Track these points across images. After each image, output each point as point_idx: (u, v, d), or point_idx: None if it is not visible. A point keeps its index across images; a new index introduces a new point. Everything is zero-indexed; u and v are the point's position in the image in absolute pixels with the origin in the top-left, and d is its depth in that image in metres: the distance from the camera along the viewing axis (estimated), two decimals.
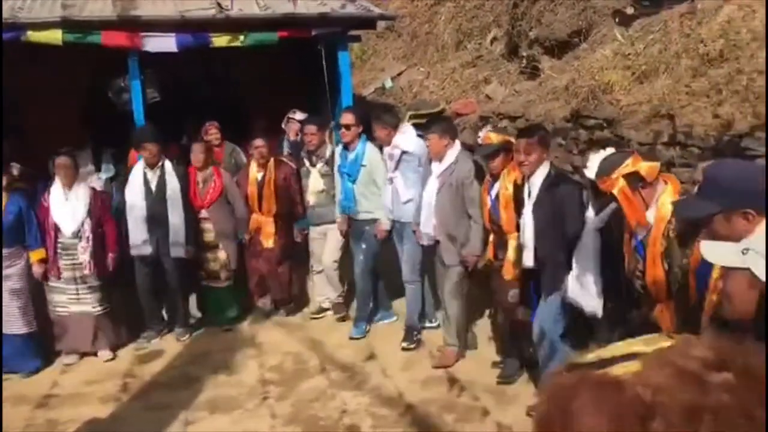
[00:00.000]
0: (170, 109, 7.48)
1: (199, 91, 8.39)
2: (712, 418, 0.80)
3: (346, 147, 5.94)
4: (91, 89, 7.68)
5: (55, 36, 6.12)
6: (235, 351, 5.94)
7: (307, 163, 6.30)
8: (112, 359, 5.80)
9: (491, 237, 5.03)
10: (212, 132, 7.21)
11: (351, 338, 6.02)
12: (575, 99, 5.58)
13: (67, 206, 5.59)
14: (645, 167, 3.40)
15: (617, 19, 6.09)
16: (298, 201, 6.35)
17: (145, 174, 6.01)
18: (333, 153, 6.24)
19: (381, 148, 5.93)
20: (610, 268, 3.79)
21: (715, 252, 2.24)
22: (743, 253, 2.07)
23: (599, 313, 3.93)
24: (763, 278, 2.01)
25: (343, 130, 5.88)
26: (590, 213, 4.06)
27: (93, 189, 5.88)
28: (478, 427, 4.54)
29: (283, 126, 7.45)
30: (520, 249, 4.72)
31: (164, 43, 6.38)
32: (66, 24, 6.15)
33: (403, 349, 5.71)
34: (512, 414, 4.62)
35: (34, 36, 6.12)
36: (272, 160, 6.32)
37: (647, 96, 4.89)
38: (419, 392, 5.05)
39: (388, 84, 9.62)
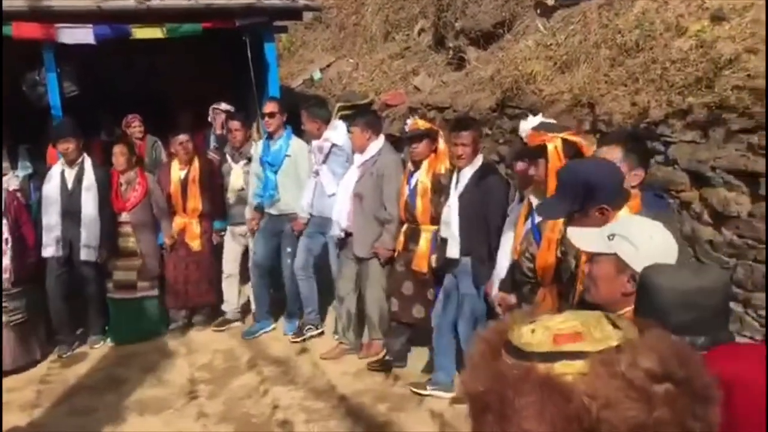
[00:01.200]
0: (90, 103, 7.22)
1: (121, 84, 8.13)
2: None
3: (270, 137, 5.85)
4: (6, 83, 7.32)
5: None
6: (163, 351, 5.82)
7: (230, 160, 6.12)
8: None
9: (404, 227, 5.05)
10: (135, 125, 7.02)
11: (285, 334, 5.98)
12: (500, 89, 5.65)
13: None
14: (584, 143, 3.49)
15: (539, 11, 6.19)
16: (219, 200, 6.14)
17: (63, 171, 5.75)
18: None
19: (309, 143, 5.88)
20: None
21: (582, 238, 2.32)
22: (609, 238, 2.14)
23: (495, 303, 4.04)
24: (631, 263, 2.08)
25: (267, 118, 5.79)
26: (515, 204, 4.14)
27: (6, 190, 5.54)
28: (411, 416, 4.58)
29: (209, 119, 7.29)
30: (431, 241, 4.80)
31: (81, 34, 6.13)
32: None
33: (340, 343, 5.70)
34: (445, 401, 4.68)
35: None
36: (196, 156, 6.11)
37: (569, 85, 5.00)
38: (352, 384, 5.06)
39: (317, 76, 9.54)
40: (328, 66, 9.85)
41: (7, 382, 5.29)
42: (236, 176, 6.07)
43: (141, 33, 6.36)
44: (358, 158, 5.34)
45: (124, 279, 5.89)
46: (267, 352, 5.69)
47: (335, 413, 4.68)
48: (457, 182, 4.61)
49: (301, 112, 5.82)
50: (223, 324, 6.21)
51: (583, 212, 2.57)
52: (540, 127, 3.53)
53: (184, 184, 6.02)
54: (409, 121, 5.08)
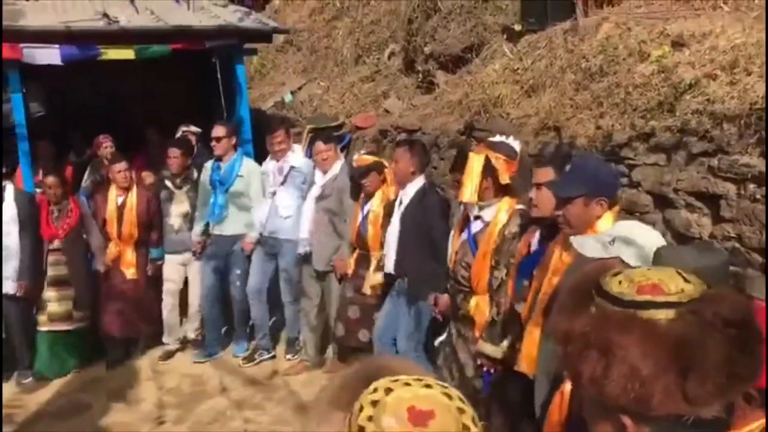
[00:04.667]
0: (60, 124, 7.15)
1: (89, 106, 8.06)
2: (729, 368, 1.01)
3: (220, 160, 5.84)
4: None
5: None
6: (130, 375, 5.71)
7: (171, 185, 5.99)
8: None
9: (355, 253, 5.11)
10: (105, 145, 6.93)
11: (235, 356, 5.93)
12: (468, 112, 5.73)
13: None
14: (505, 171, 3.67)
15: (506, 36, 6.30)
16: (155, 227, 5.98)
17: None
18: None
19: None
20: None
21: (585, 246, 2.49)
22: (610, 243, 2.34)
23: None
24: (631, 262, 2.24)
25: (214, 142, 5.77)
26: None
27: None
28: None
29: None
30: (381, 266, 4.87)
31: (48, 55, 6.08)
32: None
33: (288, 360, 5.78)
34: None
35: None
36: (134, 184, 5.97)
37: (535, 109, 5.09)
38: None
39: (288, 98, 9.56)
40: (299, 88, 9.88)
41: None
42: (179, 201, 5.96)
43: (109, 54, 6.33)
44: (320, 177, 5.41)
45: (59, 310, 5.62)
46: (236, 375, 5.62)
47: None
48: (401, 201, 4.72)
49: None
50: (167, 356, 6.04)
51: (587, 199, 2.75)
52: (487, 139, 3.83)
53: (120, 210, 5.86)
54: (355, 157, 5.20)
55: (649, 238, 2.38)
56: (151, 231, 5.96)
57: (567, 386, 2.26)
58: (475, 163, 3.69)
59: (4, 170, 5.79)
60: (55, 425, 4.92)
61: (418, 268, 4.51)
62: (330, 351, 5.60)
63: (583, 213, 2.76)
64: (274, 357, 5.87)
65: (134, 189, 5.92)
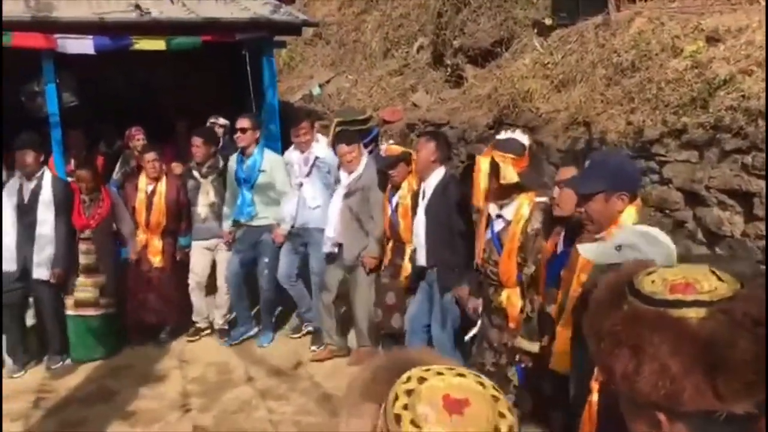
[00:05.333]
0: (92, 114, 7.25)
1: (120, 96, 8.16)
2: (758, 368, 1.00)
3: (243, 152, 5.86)
4: (5, 92, 7.34)
5: None
6: (156, 363, 5.77)
7: (197, 175, 6.02)
8: None
9: (390, 243, 5.13)
10: (138, 137, 7.00)
11: (260, 346, 5.97)
12: (497, 107, 5.70)
13: None
14: (509, 170, 3.66)
15: (536, 30, 6.25)
16: (184, 216, 6.01)
17: (21, 184, 5.55)
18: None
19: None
20: None
21: (593, 252, 2.51)
22: (617, 249, 2.33)
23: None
24: None
25: (239, 134, 5.78)
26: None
27: None
28: None
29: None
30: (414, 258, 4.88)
31: (81, 45, 6.17)
32: None
33: (312, 351, 5.75)
34: None
35: None
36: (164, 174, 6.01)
37: (565, 104, 5.04)
38: None
39: (316, 91, 9.59)
40: (328, 82, 9.90)
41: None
42: (205, 191, 6.00)
43: (141, 44, 6.40)
44: (345, 176, 5.42)
45: (87, 296, 5.68)
46: (261, 365, 5.65)
47: (328, 428, 4.64)
48: (424, 194, 4.72)
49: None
50: (196, 333, 6.15)
51: (608, 195, 2.74)
52: (494, 141, 3.82)
53: (150, 198, 5.91)
54: (383, 146, 5.18)
55: (656, 248, 2.32)
56: (179, 221, 6.01)
57: (594, 397, 2.24)
58: (482, 166, 3.73)
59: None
60: (82, 411, 4.99)
61: (446, 260, 4.53)
62: (352, 339, 5.64)
63: (604, 209, 2.75)
64: (319, 330, 5.82)
65: (164, 178, 5.97)
